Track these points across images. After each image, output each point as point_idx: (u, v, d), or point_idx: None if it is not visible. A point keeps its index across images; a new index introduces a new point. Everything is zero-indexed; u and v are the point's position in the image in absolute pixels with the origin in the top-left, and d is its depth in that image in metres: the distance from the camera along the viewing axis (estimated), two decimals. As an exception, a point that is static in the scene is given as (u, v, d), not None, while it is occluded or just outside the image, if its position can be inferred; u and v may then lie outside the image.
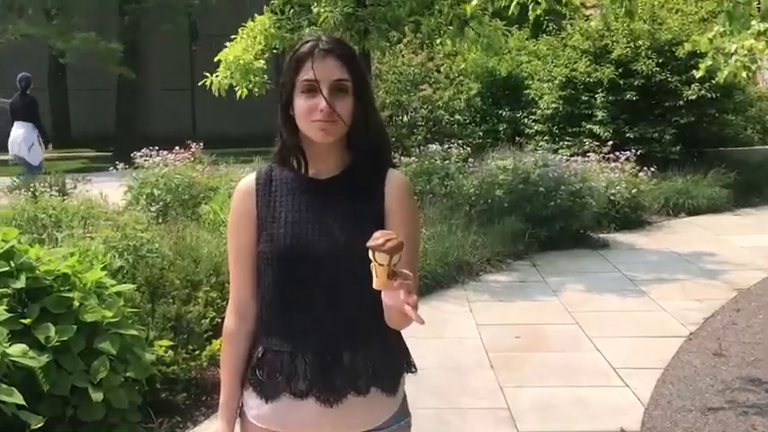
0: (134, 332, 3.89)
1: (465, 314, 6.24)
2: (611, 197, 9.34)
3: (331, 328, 1.81)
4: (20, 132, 11.02)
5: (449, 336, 5.70)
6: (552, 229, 8.40)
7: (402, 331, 1.88)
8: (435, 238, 7.51)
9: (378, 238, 1.54)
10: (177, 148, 9.40)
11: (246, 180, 1.92)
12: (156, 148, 9.19)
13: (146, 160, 8.93)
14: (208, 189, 8.37)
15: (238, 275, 1.89)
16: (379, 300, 1.66)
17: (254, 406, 1.89)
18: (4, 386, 3.19)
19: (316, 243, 1.80)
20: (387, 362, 1.87)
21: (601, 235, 8.92)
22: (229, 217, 1.94)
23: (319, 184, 1.86)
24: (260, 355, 1.87)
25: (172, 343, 4.37)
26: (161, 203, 8.02)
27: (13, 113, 11.23)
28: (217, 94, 8.73)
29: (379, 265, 1.54)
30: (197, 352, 4.59)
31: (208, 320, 4.80)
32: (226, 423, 1.92)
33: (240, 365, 1.91)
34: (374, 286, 1.56)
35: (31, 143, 10.98)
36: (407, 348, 1.96)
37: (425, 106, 12.46)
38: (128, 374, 3.75)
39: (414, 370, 1.96)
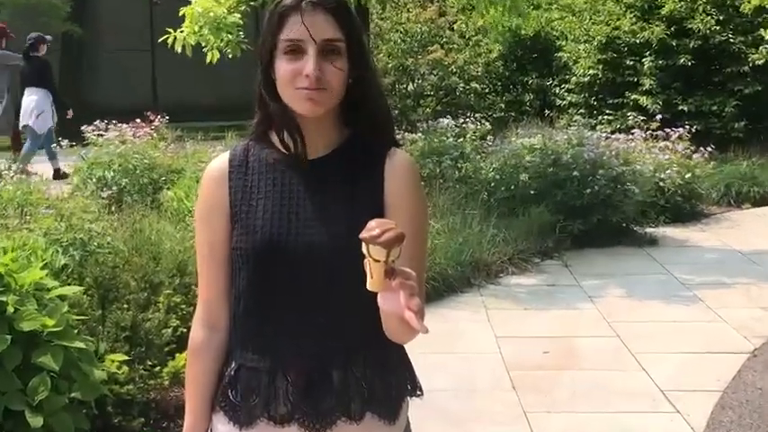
0: (81, 344, 3.86)
1: (482, 324, 6.24)
2: (660, 183, 9.36)
3: (319, 340, 1.82)
4: (32, 99, 11.16)
5: (462, 350, 5.70)
6: (588, 221, 8.40)
7: (405, 345, 1.88)
8: (446, 231, 7.48)
9: (373, 228, 1.54)
10: (135, 121, 9.40)
11: (218, 162, 1.92)
12: (111, 121, 9.20)
13: (97, 136, 8.93)
14: (171, 171, 8.32)
15: (208, 277, 1.90)
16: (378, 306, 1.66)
17: None
18: None
19: (301, 237, 1.81)
20: (386, 382, 1.87)
21: (647, 229, 8.93)
22: (197, 207, 1.94)
23: (305, 167, 1.86)
24: (233, 372, 1.88)
25: (127, 357, 4.36)
26: (115, 188, 8.05)
27: (23, 79, 11.38)
28: (181, 52, 8.68)
29: (375, 261, 1.53)
30: (157, 368, 4.57)
31: (170, 330, 4.79)
32: None
33: (209, 385, 1.92)
34: (368, 287, 1.56)
35: (42, 110, 11.10)
36: (411, 366, 1.96)
37: (435, 72, 12.44)
38: (73, 395, 3.73)
39: (419, 393, 1.96)
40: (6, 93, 12.20)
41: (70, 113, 11.52)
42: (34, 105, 11.10)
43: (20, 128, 11.68)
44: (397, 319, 1.60)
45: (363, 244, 1.54)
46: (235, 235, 1.85)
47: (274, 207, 1.83)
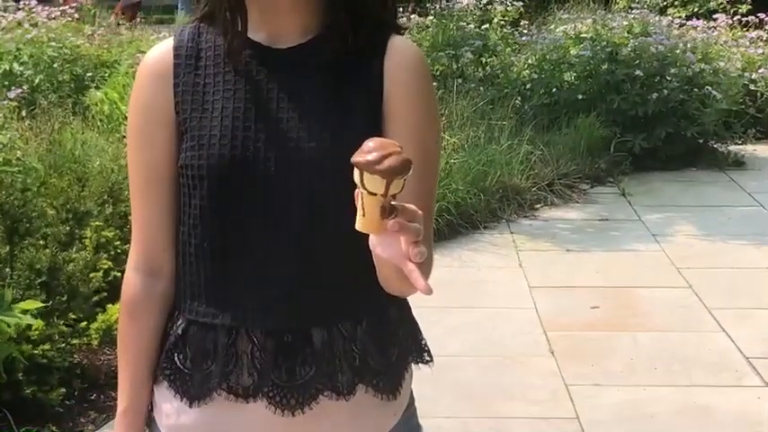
0: (-20, 291, 3.89)
1: (511, 271, 6.26)
2: (750, 86, 9.37)
3: (294, 288, 1.82)
4: None
5: (485, 305, 5.72)
6: (654, 136, 8.44)
7: (409, 298, 1.88)
8: (466, 148, 7.47)
9: (370, 150, 1.51)
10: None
11: (157, 52, 1.90)
12: (17, -4, 9.20)
13: (1, 17, 8.89)
14: (101, 65, 8.33)
15: (145, 208, 1.90)
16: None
17: (172, 412, 1.90)
18: None
19: (271, 152, 1.80)
20: (383, 345, 1.87)
21: (731, 147, 8.98)
22: (130, 114, 1.93)
23: (276, 58, 1.85)
24: (180, 331, 1.88)
25: (42, 306, 4.33)
26: (25, 87, 7.95)
27: None
28: None
29: (369, 194, 1.51)
30: (83, 324, 4.59)
31: (100, 274, 4.78)
32: None
33: (149, 350, 1.91)
34: (358, 227, 1.55)
35: None
36: (417, 324, 1.96)
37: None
38: (-28, 357, 3.76)
39: (428, 359, 1.97)
40: None
41: None
42: None
43: None
44: (395, 270, 1.59)
45: (356, 170, 1.52)
46: (183, 150, 1.83)
47: (236, 111, 1.82)
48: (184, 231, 1.86)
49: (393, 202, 1.51)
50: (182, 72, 1.86)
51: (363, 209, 1.52)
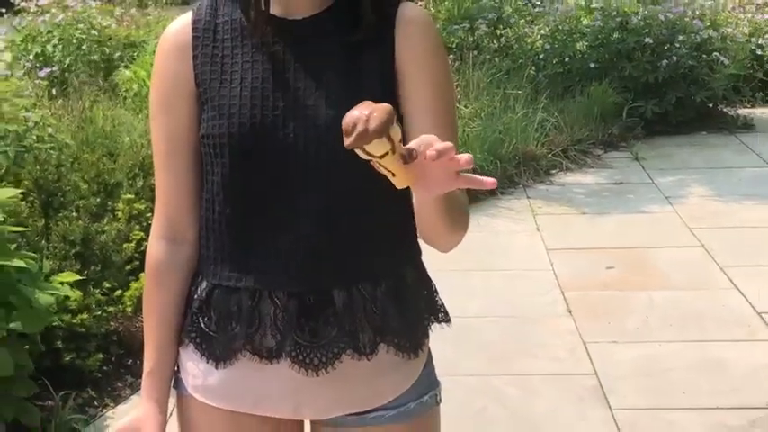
0: (20, 262, 3.83)
1: (529, 234, 6.30)
2: (758, 52, 9.28)
3: (317, 251, 1.82)
4: None
5: (505, 268, 5.74)
6: (665, 101, 8.40)
7: (430, 262, 1.90)
8: (482, 117, 7.48)
9: (348, 126, 1.49)
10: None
11: (176, 26, 1.91)
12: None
13: (28, 1, 8.86)
14: (129, 45, 8.35)
15: (168, 178, 1.90)
16: (393, 208, 1.73)
17: (198, 373, 1.91)
18: None
19: (291, 120, 1.80)
20: (402, 306, 1.87)
21: (740, 111, 8.94)
22: (152, 88, 1.93)
23: (292, 29, 1.84)
24: (204, 294, 1.88)
25: (79, 278, 4.36)
26: (57, 68, 8.03)
27: None
28: None
29: (381, 158, 1.50)
30: (117, 293, 4.62)
31: (132, 245, 4.81)
32: (153, 403, 1.92)
33: (174, 314, 1.92)
34: (399, 186, 1.55)
35: None
36: (433, 285, 1.97)
37: None
38: (12, 326, 3.72)
39: (445, 318, 1.97)
40: None
41: None
42: None
43: None
44: (441, 210, 1.65)
45: (357, 152, 1.51)
46: (204, 120, 1.84)
47: (254, 82, 1.82)
48: (207, 199, 1.87)
49: (405, 147, 1.50)
50: (200, 44, 1.86)
51: (389, 171, 1.52)
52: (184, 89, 1.86)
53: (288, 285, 1.82)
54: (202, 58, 1.85)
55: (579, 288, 5.40)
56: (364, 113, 1.48)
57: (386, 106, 1.49)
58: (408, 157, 1.49)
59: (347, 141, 1.48)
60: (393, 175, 1.52)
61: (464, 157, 1.48)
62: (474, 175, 1.53)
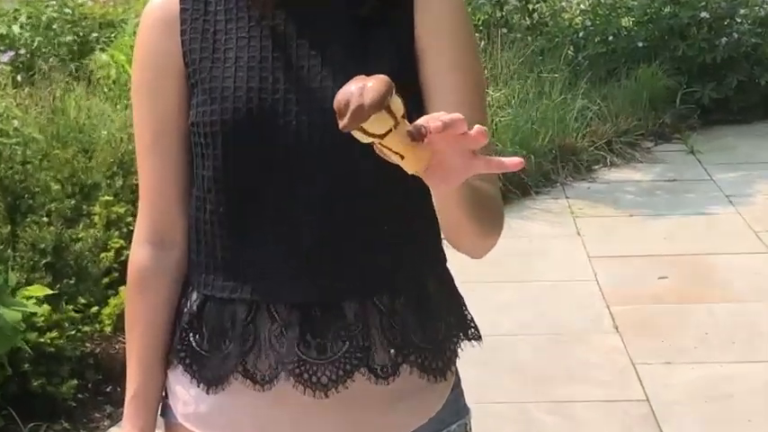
0: (-17, 274, 3.91)
1: (568, 239, 6.32)
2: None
3: (324, 256, 1.79)
4: None
5: (540, 277, 5.76)
6: (724, 86, 8.40)
7: (456, 272, 1.88)
8: (512, 105, 7.45)
9: (344, 105, 1.46)
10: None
11: None
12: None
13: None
14: (106, 25, 8.46)
15: (155, 171, 1.88)
16: (413, 205, 1.71)
17: (189, 399, 1.89)
18: None
19: (294, 105, 1.77)
20: (426, 320, 1.83)
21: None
22: (134, 68, 1.90)
23: (296, 3, 1.81)
24: (195, 308, 1.85)
25: (50, 291, 4.33)
26: (23, 51, 8.10)
27: None
28: None
29: (385, 136, 1.45)
30: (94, 309, 4.64)
31: (111, 254, 4.83)
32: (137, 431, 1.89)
33: (161, 326, 1.89)
34: (410, 171, 1.51)
35: None
36: (461, 298, 1.92)
37: None
38: (-25, 346, 3.80)
39: (475, 335, 1.93)
40: None
41: None
42: None
43: None
44: (465, 206, 1.61)
45: (355, 134, 1.48)
46: (194, 105, 1.81)
47: (251, 61, 1.79)
48: (198, 196, 1.85)
49: (411, 124, 1.46)
50: (189, 18, 1.84)
51: (396, 153, 1.48)
52: (171, 69, 1.84)
53: (290, 296, 1.79)
54: (192, 33, 1.83)
55: (627, 301, 5.41)
56: (357, 88, 1.45)
57: (381, 76, 1.46)
58: (417, 135, 1.44)
59: (342, 123, 1.45)
60: (402, 157, 1.48)
61: (476, 128, 1.42)
62: (494, 157, 1.48)
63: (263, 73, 1.79)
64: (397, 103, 1.45)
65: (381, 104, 1.44)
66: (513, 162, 1.45)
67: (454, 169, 1.48)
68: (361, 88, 1.45)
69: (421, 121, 1.44)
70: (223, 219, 1.82)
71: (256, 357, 1.80)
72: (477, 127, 1.43)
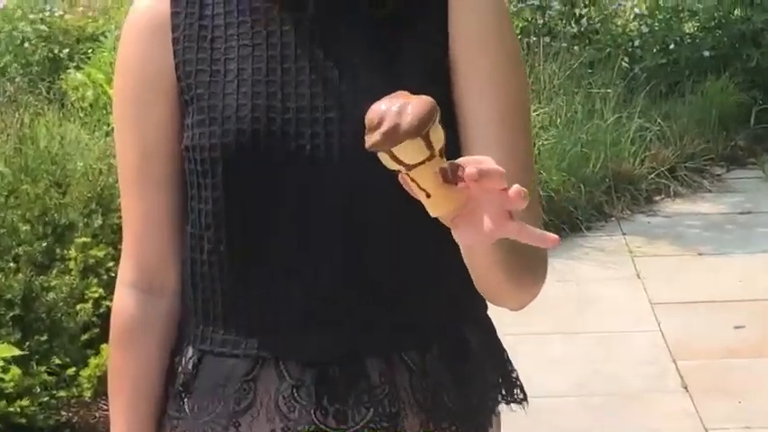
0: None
1: (626, 283, 6.13)
2: None
3: (343, 303, 1.72)
4: None
5: (594, 329, 5.60)
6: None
7: (497, 323, 1.84)
8: (558, 126, 7.25)
9: (377, 121, 1.39)
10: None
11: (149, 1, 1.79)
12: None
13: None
14: (83, 39, 8.41)
15: (142, 205, 1.81)
16: (447, 244, 1.52)
17: None
18: None
19: (305, 123, 1.70)
20: (462, 379, 1.76)
21: None
22: (116, 85, 1.83)
23: (304, 2, 1.73)
24: (190, 366, 1.78)
25: (17, 352, 4.21)
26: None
27: None
28: None
29: (414, 167, 1.39)
30: (71, 371, 4.56)
31: (89, 306, 4.71)
32: None
33: (150, 387, 1.82)
34: (433, 214, 1.44)
35: None
36: (505, 353, 1.86)
37: None
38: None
39: (520, 397, 1.86)
40: None
41: None
42: None
43: None
44: (495, 253, 1.53)
45: (381, 156, 1.40)
46: (189, 126, 1.74)
47: (256, 73, 1.72)
48: (193, 234, 1.76)
49: (450, 161, 1.39)
50: (182, 23, 1.76)
51: (423, 190, 1.41)
52: (161, 82, 1.76)
53: (304, 352, 1.72)
54: (186, 41, 1.75)
55: (697, 355, 5.29)
56: (396, 105, 1.40)
57: (426, 98, 1.39)
58: (451, 176, 1.38)
59: (370, 140, 1.39)
60: (428, 195, 1.41)
61: (514, 188, 1.34)
62: (532, 227, 1.39)
63: (271, 88, 1.72)
64: (439, 134, 1.40)
65: (420, 131, 1.38)
66: (550, 238, 1.41)
67: (484, 226, 1.42)
68: (401, 106, 1.40)
69: (461, 160, 1.40)
70: (223, 259, 1.75)
71: (252, 419, 1.73)
72: (515, 187, 1.36)
